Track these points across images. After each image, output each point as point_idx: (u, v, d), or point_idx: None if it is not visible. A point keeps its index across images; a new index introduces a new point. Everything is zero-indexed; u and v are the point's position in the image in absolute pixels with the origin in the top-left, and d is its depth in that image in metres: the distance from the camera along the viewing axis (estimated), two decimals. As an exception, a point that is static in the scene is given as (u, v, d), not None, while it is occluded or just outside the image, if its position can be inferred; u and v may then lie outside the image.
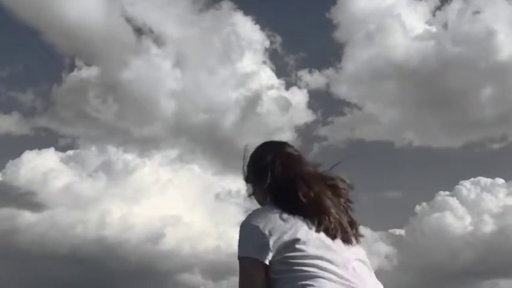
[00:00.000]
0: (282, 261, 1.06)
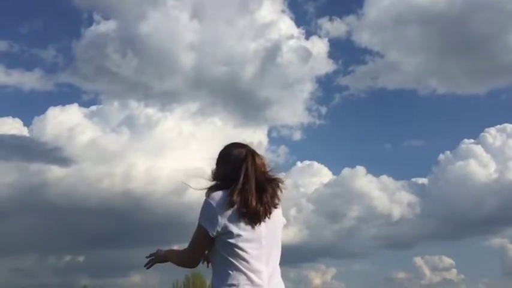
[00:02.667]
0: (221, 238, 1.56)
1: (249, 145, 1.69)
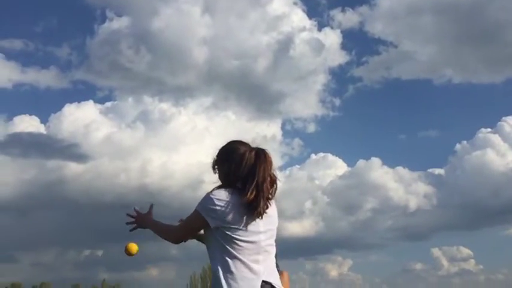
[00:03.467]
0: (221, 230, 1.61)
1: (251, 143, 1.73)
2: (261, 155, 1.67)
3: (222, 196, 1.62)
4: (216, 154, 1.75)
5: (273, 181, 1.67)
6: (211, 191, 1.65)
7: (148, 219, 1.82)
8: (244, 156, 1.66)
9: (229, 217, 1.60)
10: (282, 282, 3.41)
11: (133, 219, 1.84)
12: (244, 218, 1.61)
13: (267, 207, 1.65)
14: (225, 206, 1.60)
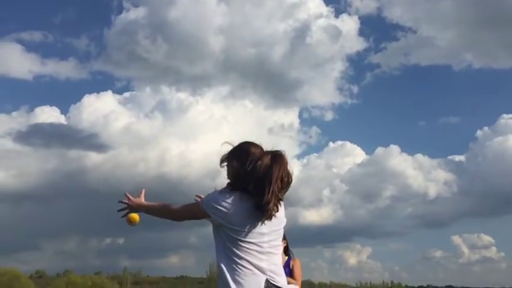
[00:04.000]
0: (225, 229, 1.63)
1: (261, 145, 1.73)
2: (277, 158, 1.66)
3: (230, 198, 1.63)
4: (229, 152, 1.75)
5: (288, 183, 1.66)
6: (220, 190, 1.67)
7: (140, 202, 1.86)
8: (259, 159, 1.65)
9: (233, 219, 1.62)
10: (294, 268, 3.44)
11: (125, 205, 1.88)
12: (250, 221, 1.62)
13: (277, 210, 1.65)
14: (231, 208, 1.62)
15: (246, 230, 1.62)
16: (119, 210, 1.89)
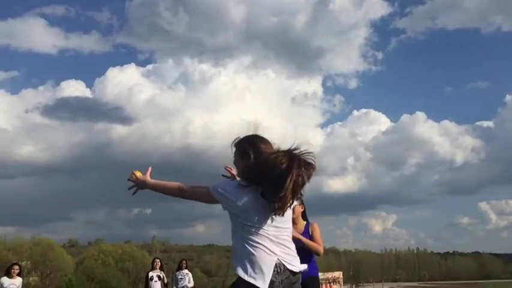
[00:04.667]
0: (237, 218, 1.66)
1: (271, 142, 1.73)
2: (294, 161, 1.60)
3: (239, 188, 1.65)
4: (238, 147, 1.76)
5: (303, 184, 1.63)
6: (232, 181, 1.71)
7: (147, 180, 1.89)
8: (275, 160, 1.60)
9: (241, 209, 1.64)
10: (313, 233, 3.48)
11: (133, 184, 1.92)
12: (259, 213, 1.63)
13: (288, 209, 1.65)
14: (239, 198, 1.63)
15: (255, 221, 1.63)
16: (129, 188, 1.93)
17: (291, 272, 1.64)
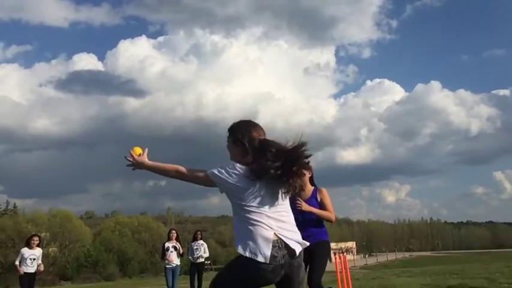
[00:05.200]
0: (237, 197, 1.74)
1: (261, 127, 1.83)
2: (294, 152, 1.71)
3: (235, 170, 1.73)
4: (231, 132, 1.85)
5: (300, 174, 1.75)
6: (227, 166, 1.76)
7: (145, 162, 1.93)
8: (268, 147, 1.72)
9: (236, 191, 1.73)
10: (323, 199, 3.44)
11: (131, 162, 1.96)
12: (255, 195, 1.72)
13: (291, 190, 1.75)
14: (234, 179, 1.72)
15: (252, 201, 1.72)
16: (128, 166, 1.97)
17: (290, 251, 1.70)
